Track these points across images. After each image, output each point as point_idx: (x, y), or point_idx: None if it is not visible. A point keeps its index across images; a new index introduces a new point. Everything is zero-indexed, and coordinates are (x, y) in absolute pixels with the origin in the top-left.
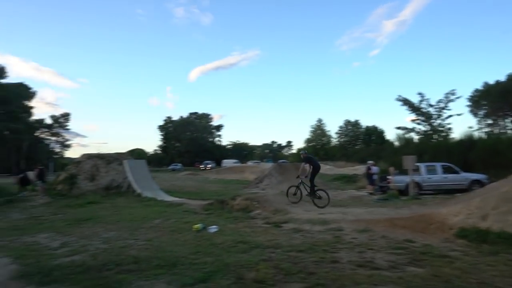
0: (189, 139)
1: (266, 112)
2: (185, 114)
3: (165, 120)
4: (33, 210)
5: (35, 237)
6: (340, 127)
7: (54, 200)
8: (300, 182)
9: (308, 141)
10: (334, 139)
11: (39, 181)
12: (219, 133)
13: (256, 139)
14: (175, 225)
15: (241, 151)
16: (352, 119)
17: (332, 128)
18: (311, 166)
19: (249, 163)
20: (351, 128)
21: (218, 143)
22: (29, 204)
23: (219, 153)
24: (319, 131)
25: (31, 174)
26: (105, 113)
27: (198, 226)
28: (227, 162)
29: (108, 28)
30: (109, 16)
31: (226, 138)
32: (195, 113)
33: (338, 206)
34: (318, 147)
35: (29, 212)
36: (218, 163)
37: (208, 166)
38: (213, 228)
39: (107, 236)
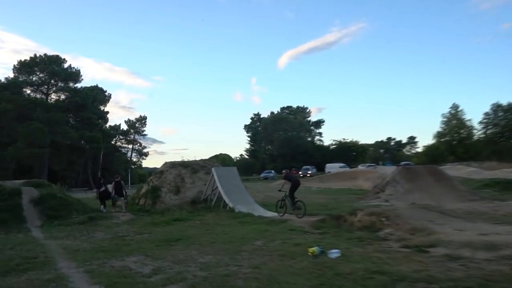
0: (282, 140)
1: (378, 102)
2: (276, 110)
3: (252, 118)
4: (117, 228)
5: (124, 261)
6: (486, 114)
7: (137, 216)
8: (285, 195)
9: (439, 135)
10: (478, 131)
11: (116, 196)
12: (319, 130)
13: (366, 137)
14: (284, 248)
15: (349, 152)
16: (504, 102)
17: (474, 117)
18: (291, 182)
19: (361, 167)
20: (502, 115)
21: (319, 143)
22: (112, 222)
23: (321, 156)
24: (454, 122)
25: (110, 188)
26: (183, 115)
27: (314, 249)
28: (332, 167)
29: (183, 17)
30: (184, 2)
31: (328, 136)
32: (288, 107)
33: (505, 224)
34: (455, 142)
35: (113, 231)
36: (321, 169)
37: (308, 172)
38: (334, 253)
39: (204, 261)
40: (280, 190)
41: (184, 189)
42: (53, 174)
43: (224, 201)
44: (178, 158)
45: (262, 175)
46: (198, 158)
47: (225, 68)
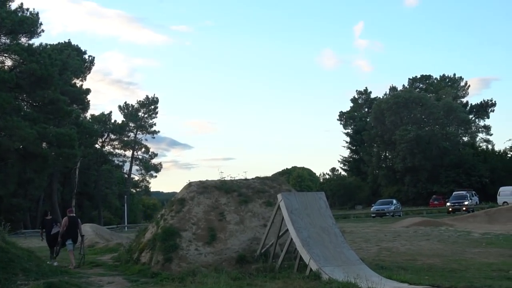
0: (411, 141)
1: None
2: (400, 84)
3: (354, 100)
4: None
5: None
6: None
7: (134, 286)
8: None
9: None
10: None
11: (70, 240)
12: (484, 122)
13: None
14: None
15: None
16: None
17: None
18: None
19: None
20: None
21: (484, 146)
22: None
23: (489, 171)
24: None
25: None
26: (226, 97)
27: None
28: (510, 193)
29: None
30: None
31: (502, 134)
32: (425, 78)
33: None
34: None
35: None
36: (488, 196)
37: (463, 203)
38: None
39: None
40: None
41: (224, 235)
42: None
43: (302, 258)
44: (214, 175)
45: (374, 208)
46: (251, 175)
47: (303, 8)
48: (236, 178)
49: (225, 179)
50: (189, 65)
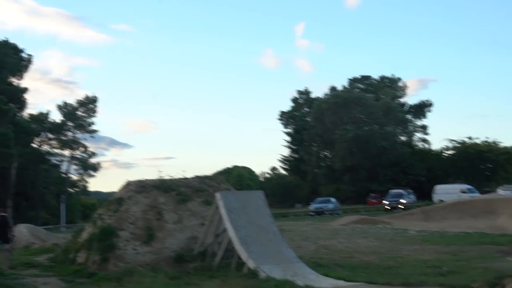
0: (351, 140)
1: None
2: (340, 83)
3: (295, 100)
4: None
5: None
6: None
7: (69, 286)
8: None
9: None
10: None
11: None
12: (422, 122)
13: None
14: None
15: (479, 164)
16: None
17: None
18: None
19: (502, 191)
20: None
21: (422, 146)
22: None
23: (425, 170)
24: None
25: None
26: (167, 97)
27: None
28: (447, 191)
29: None
30: None
31: (439, 133)
32: (365, 78)
33: None
34: None
35: None
36: (425, 194)
37: (400, 201)
38: None
39: None
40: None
41: (162, 234)
42: None
43: (240, 257)
44: (155, 174)
45: (313, 206)
46: (192, 175)
47: (245, 8)
48: (175, 177)
49: (164, 178)
50: (130, 64)
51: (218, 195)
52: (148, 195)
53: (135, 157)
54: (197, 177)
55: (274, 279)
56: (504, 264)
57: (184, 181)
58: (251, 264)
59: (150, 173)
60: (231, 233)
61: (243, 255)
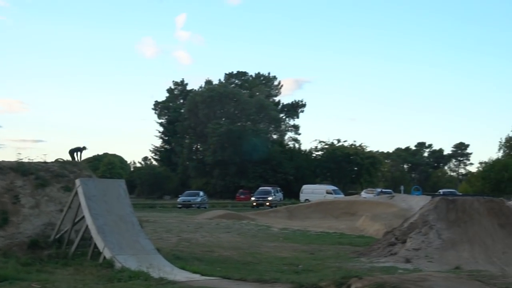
0: (223, 135)
1: (402, 80)
2: (216, 77)
3: (170, 91)
4: None
5: None
6: None
7: None
8: None
9: (510, 145)
10: None
11: None
12: (294, 121)
13: (382, 141)
14: None
15: (346, 166)
16: None
17: None
18: None
19: (365, 194)
20: None
21: (292, 145)
22: None
23: (294, 169)
24: None
25: None
26: (39, 76)
27: None
28: (313, 191)
29: None
30: None
31: (310, 134)
32: (241, 74)
33: None
34: None
35: None
36: (292, 193)
37: (267, 198)
38: None
39: None
40: None
41: (17, 218)
42: None
43: (96, 246)
44: (21, 156)
45: (181, 199)
46: (58, 159)
47: None
48: (35, 161)
49: (23, 160)
50: (4, 41)
51: (77, 182)
52: (5, 178)
53: (3, 137)
54: (58, 161)
55: (129, 270)
56: (356, 265)
57: (44, 165)
58: (107, 253)
59: (11, 154)
60: (89, 221)
61: (100, 244)
